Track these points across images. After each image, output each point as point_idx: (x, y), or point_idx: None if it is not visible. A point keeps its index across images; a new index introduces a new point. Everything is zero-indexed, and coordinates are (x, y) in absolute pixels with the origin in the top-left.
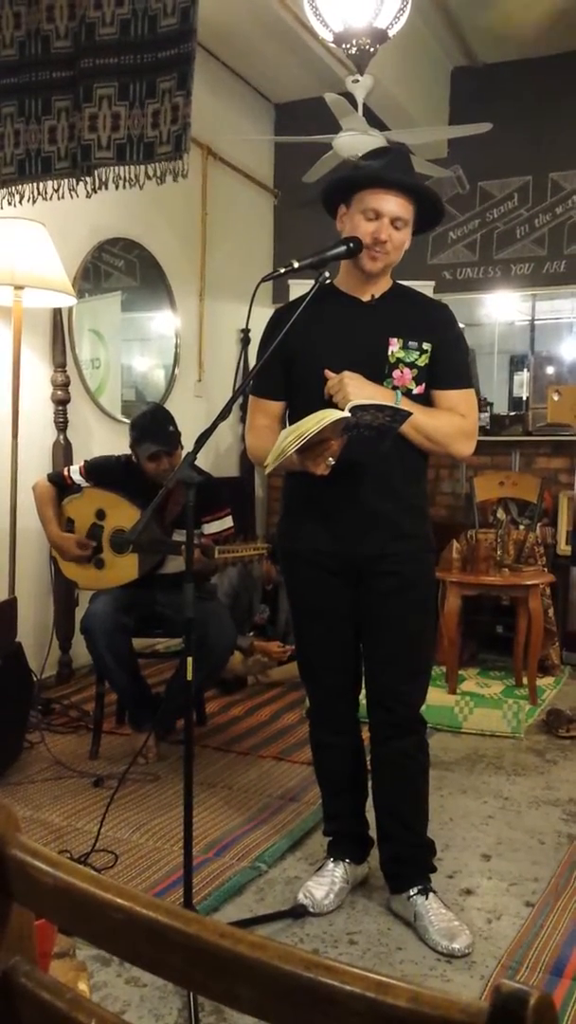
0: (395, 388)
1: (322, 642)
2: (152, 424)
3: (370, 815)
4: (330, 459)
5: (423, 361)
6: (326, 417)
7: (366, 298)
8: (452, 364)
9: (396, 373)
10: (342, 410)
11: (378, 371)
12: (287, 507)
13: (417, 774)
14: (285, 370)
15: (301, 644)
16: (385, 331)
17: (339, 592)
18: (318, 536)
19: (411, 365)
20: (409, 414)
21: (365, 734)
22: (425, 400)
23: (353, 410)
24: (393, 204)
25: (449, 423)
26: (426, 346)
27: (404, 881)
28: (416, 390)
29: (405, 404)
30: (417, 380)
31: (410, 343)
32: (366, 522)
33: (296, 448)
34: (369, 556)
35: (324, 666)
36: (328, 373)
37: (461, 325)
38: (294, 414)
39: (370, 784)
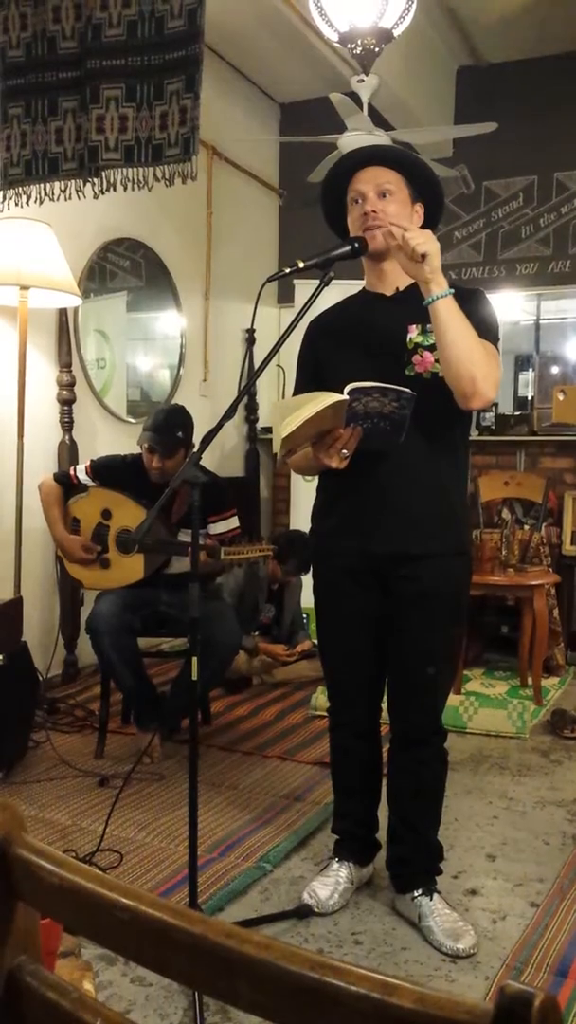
0: (418, 373)
1: (344, 648)
2: (163, 421)
3: (381, 813)
4: (344, 451)
5: None
6: (322, 399)
7: (390, 292)
8: (473, 320)
9: (416, 358)
10: (340, 393)
11: (397, 358)
12: (316, 508)
13: (433, 784)
14: (316, 377)
15: (323, 647)
16: (405, 319)
17: (362, 598)
18: (341, 534)
19: (431, 348)
20: (415, 396)
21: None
22: None
23: (352, 392)
24: (368, 176)
25: (484, 348)
26: None
27: (409, 882)
28: (443, 373)
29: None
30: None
31: (428, 326)
32: (389, 518)
33: (292, 429)
34: (389, 555)
35: (345, 671)
36: (394, 230)
37: None
38: None
39: (385, 784)
